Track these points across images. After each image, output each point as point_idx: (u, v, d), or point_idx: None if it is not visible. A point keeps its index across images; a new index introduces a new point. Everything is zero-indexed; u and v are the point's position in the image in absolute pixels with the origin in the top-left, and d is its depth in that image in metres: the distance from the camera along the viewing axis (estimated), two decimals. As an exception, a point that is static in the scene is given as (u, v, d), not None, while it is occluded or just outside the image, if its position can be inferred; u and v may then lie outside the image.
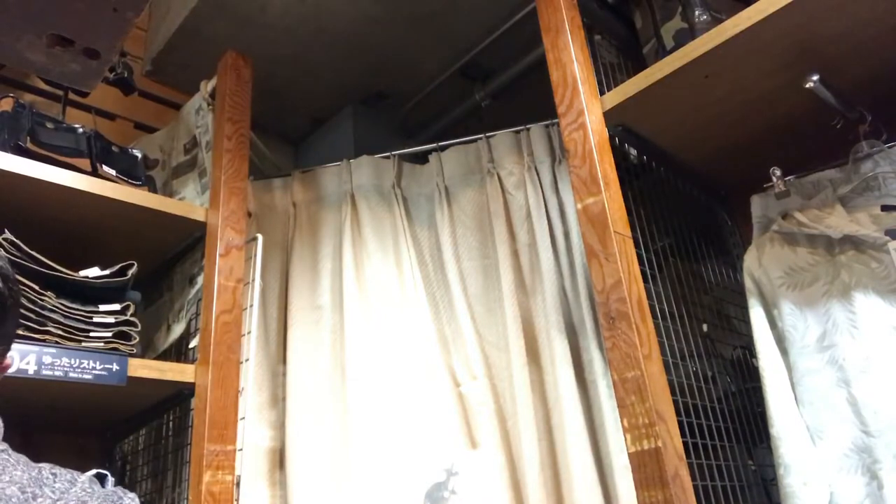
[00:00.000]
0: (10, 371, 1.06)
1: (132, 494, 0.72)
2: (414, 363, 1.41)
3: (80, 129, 1.37)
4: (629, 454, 1.01)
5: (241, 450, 1.25)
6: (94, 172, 1.34)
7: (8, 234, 1.17)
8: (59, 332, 1.16)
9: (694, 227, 1.41)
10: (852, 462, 1.07)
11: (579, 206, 1.16)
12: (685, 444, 1.03)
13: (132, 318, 1.25)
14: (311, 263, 1.55)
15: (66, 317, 1.18)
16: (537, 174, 1.47)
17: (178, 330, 1.44)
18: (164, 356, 1.45)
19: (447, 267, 1.47)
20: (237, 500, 1.21)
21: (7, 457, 0.67)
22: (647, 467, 0.98)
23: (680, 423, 1.04)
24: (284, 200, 1.63)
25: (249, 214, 1.53)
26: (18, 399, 1.22)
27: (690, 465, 1.02)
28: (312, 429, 1.39)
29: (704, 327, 1.33)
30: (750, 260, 1.24)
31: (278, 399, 1.45)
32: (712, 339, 1.35)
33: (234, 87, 1.49)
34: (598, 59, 1.32)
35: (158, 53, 1.71)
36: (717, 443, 1.16)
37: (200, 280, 1.39)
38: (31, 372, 1.10)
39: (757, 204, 1.31)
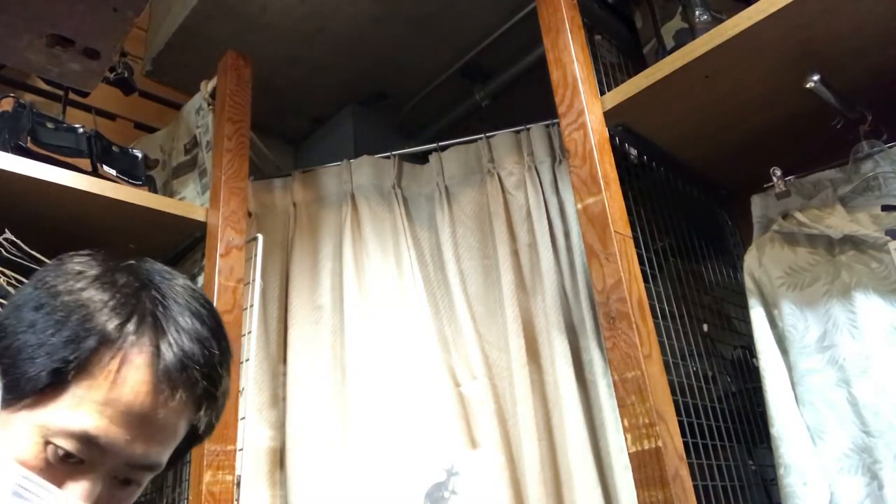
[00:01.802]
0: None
1: None
2: (414, 363, 1.41)
3: (81, 129, 1.37)
4: (629, 454, 1.01)
5: (241, 450, 1.24)
6: (95, 172, 1.34)
7: (8, 234, 1.17)
8: (60, 332, 1.15)
9: (694, 227, 1.41)
10: (853, 462, 1.07)
11: (579, 205, 1.16)
12: (685, 443, 1.03)
13: (132, 318, 1.25)
14: (311, 263, 1.55)
15: (66, 317, 1.17)
16: (537, 174, 1.47)
17: (178, 330, 1.44)
18: (165, 356, 1.44)
19: (447, 267, 1.47)
20: (237, 500, 1.21)
21: None
22: (647, 467, 0.98)
23: (680, 423, 1.04)
24: (285, 200, 1.63)
25: (250, 214, 1.53)
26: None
27: (691, 465, 1.02)
28: (312, 429, 1.39)
29: (705, 327, 1.33)
30: (750, 260, 1.24)
31: (278, 399, 1.45)
32: (712, 339, 1.35)
33: (235, 87, 1.49)
34: (599, 59, 1.32)
35: (159, 53, 1.71)
36: (717, 443, 1.16)
37: (201, 280, 1.39)
38: (31, 372, 1.09)
39: (757, 204, 1.31)
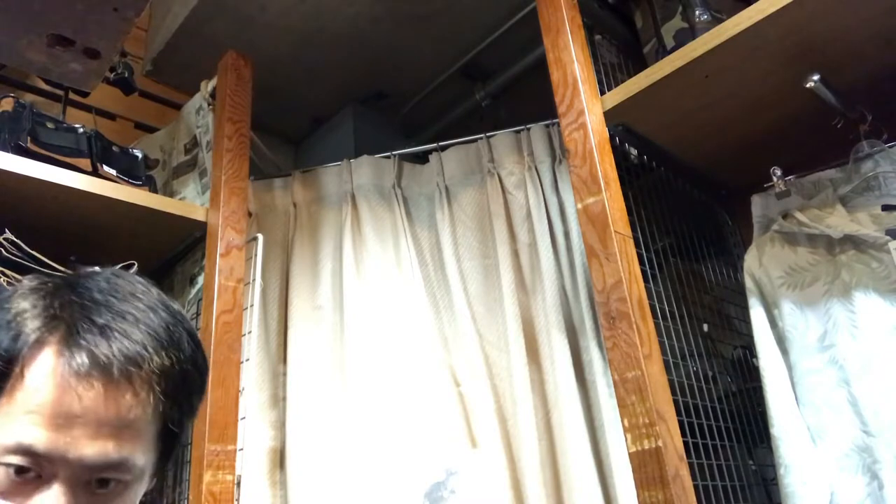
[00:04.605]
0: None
1: None
2: (414, 363, 1.41)
3: (81, 129, 1.37)
4: (629, 454, 1.01)
5: (241, 450, 1.25)
6: (95, 172, 1.34)
7: (8, 234, 1.17)
8: (60, 332, 1.15)
9: (694, 227, 1.41)
10: (853, 462, 1.07)
11: (580, 205, 1.16)
12: (685, 443, 1.03)
13: (132, 318, 1.25)
14: (311, 263, 1.55)
15: (66, 317, 1.17)
16: (537, 174, 1.46)
17: (178, 330, 1.44)
18: (165, 356, 1.44)
19: (447, 267, 1.47)
20: (238, 500, 1.21)
21: None
22: (647, 467, 0.98)
23: (680, 423, 1.04)
24: (285, 200, 1.63)
25: (250, 214, 1.53)
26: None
27: (691, 465, 1.02)
28: (313, 429, 1.39)
29: (705, 327, 1.33)
30: (750, 259, 1.24)
31: (279, 399, 1.45)
32: (713, 339, 1.35)
33: (235, 87, 1.49)
34: (599, 59, 1.32)
35: (159, 53, 1.71)
36: (717, 442, 1.16)
37: (201, 280, 1.40)
38: (31, 372, 1.09)
39: (757, 203, 1.31)
